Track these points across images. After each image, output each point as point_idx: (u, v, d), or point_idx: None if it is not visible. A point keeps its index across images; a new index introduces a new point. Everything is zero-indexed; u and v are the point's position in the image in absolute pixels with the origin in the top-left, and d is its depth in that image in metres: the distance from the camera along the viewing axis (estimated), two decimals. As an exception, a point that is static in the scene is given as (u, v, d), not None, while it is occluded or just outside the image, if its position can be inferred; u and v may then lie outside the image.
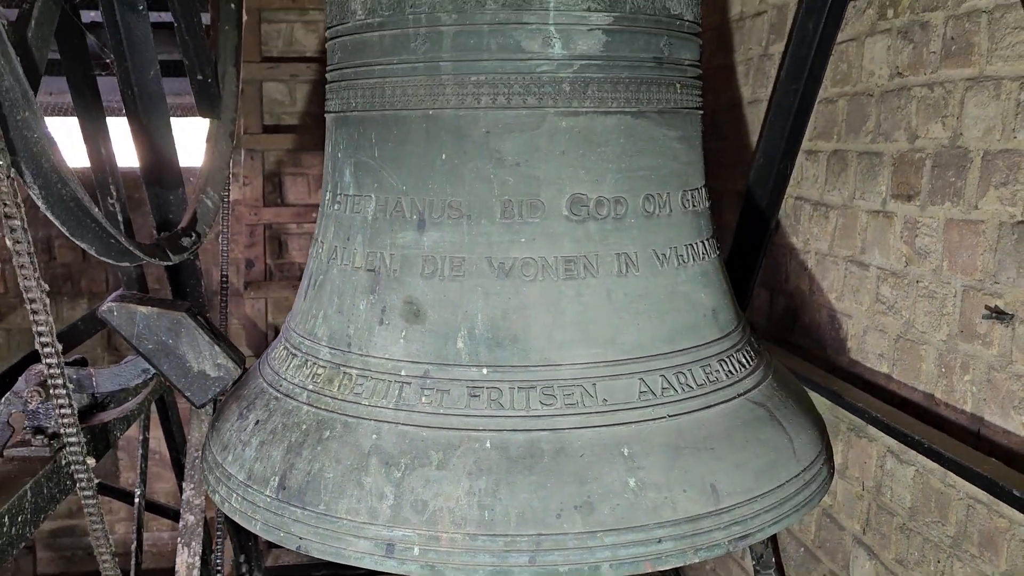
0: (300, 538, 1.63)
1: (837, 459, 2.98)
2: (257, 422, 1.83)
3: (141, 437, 2.95)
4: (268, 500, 1.69)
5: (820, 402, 2.60)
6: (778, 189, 2.81)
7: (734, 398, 1.77)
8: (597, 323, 1.68)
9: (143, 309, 2.04)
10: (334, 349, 1.80)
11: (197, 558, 2.91)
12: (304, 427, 1.73)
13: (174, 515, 4.15)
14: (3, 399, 2.12)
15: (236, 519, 1.76)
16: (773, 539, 3.14)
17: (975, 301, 2.26)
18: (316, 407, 1.75)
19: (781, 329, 3.41)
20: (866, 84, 2.74)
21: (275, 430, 1.77)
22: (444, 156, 1.68)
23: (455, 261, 1.70)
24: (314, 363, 1.83)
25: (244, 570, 3.88)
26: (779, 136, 2.72)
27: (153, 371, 2.13)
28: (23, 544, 1.82)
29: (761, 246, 2.86)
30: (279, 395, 1.85)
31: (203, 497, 3.00)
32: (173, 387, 2.09)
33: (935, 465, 2.32)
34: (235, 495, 1.77)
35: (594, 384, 1.65)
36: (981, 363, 2.26)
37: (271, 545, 4.68)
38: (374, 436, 1.65)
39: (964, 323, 2.32)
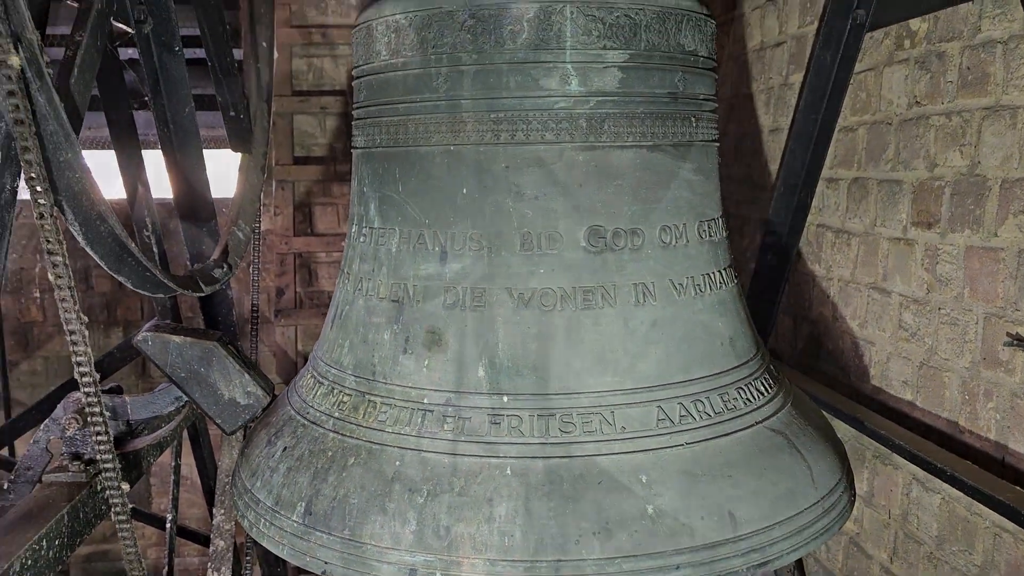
0: (325, 562, 1.67)
1: (863, 487, 2.97)
2: (285, 449, 1.88)
3: (173, 463, 3.02)
4: (295, 525, 1.73)
5: (844, 429, 2.60)
6: (799, 217, 2.83)
7: (752, 426, 1.79)
8: (615, 352, 1.72)
9: (176, 339, 2.11)
10: (359, 377, 1.85)
11: (227, 583, 2.96)
12: (330, 454, 1.78)
13: (204, 540, 4.21)
14: (42, 426, 2.20)
15: (264, 544, 1.81)
16: (800, 567, 3.13)
17: (997, 328, 2.27)
18: (341, 434, 1.80)
19: (805, 356, 3.41)
20: (885, 113, 2.77)
21: (302, 457, 1.82)
22: (465, 191, 1.74)
23: (476, 292, 1.75)
24: (340, 391, 1.88)
25: (272, 595, 3.92)
26: (799, 165, 2.75)
27: (185, 399, 2.20)
28: (60, 568, 1.88)
29: (783, 274, 2.88)
30: (306, 422, 1.90)
31: (233, 522, 3.06)
32: (204, 414, 2.15)
33: (961, 493, 2.32)
34: (263, 520, 1.82)
35: (612, 412, 1.68)
36: (1004, 390, 2.26)
37: (299, 571, 4.72)
38: (397, 463, 1.69)
39: (986, 350, 2.32)
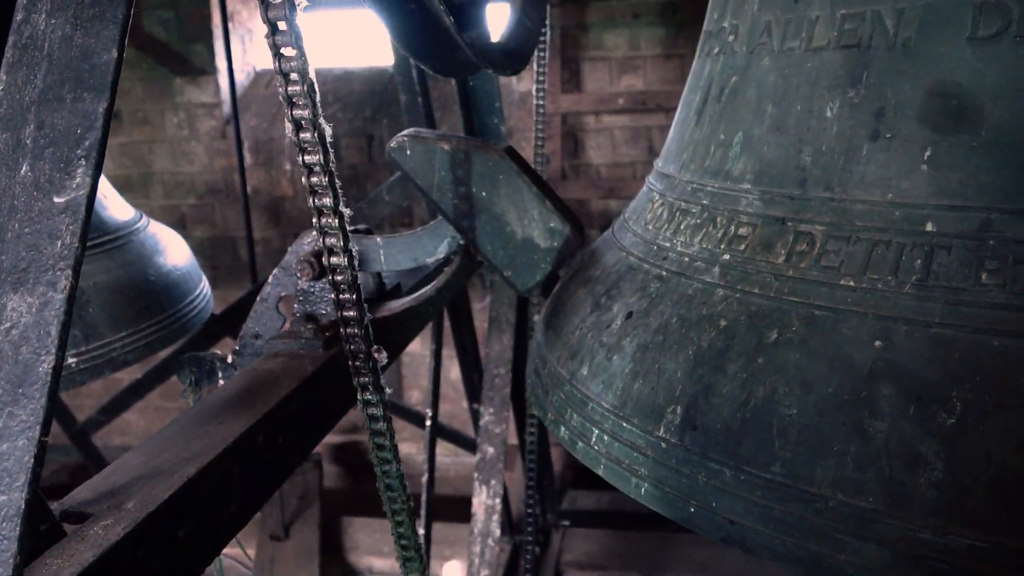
0: (731, 521, 0.89)
1: None
2: (629, 315, 1.11)
3: (433, 346, 2.40)
4: (662, 446, 0.97)
5: None
6: None
7: None
8: None
9: (446, 146, 1.39)
10: (772, 192, 1.02)
11: (498, 500, 2.34)
12: (723, 324, 0.98)
13: (463, 442, 3.71)
14: (270, 277, 1.59)
15: (599, 471, 1.07)
16: None
17: None
18: (742, 291, 0.99)
19: None
20: None
21: (666, 328, 1.04)
22: None
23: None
24: (730, 219, 1.07)
25: (537, 511, 3.31)
26: None
27: (459, 241, 1.49)
28: (290, 470, 1.27)
29: None
30: (665, 272, 1.11)
31: (504, 426, 2.44)
32: (488, 263, 1.44)
33: None
34: (597, 430, 1.07)
35: None
36: None
37: (566, 485, 4.11)
38: (878, 343, 0.86)
39: None
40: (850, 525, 0.81)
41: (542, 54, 2.51)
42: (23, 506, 0.63)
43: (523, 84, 4.41)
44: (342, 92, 4.95)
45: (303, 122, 0.84)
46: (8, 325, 0.65)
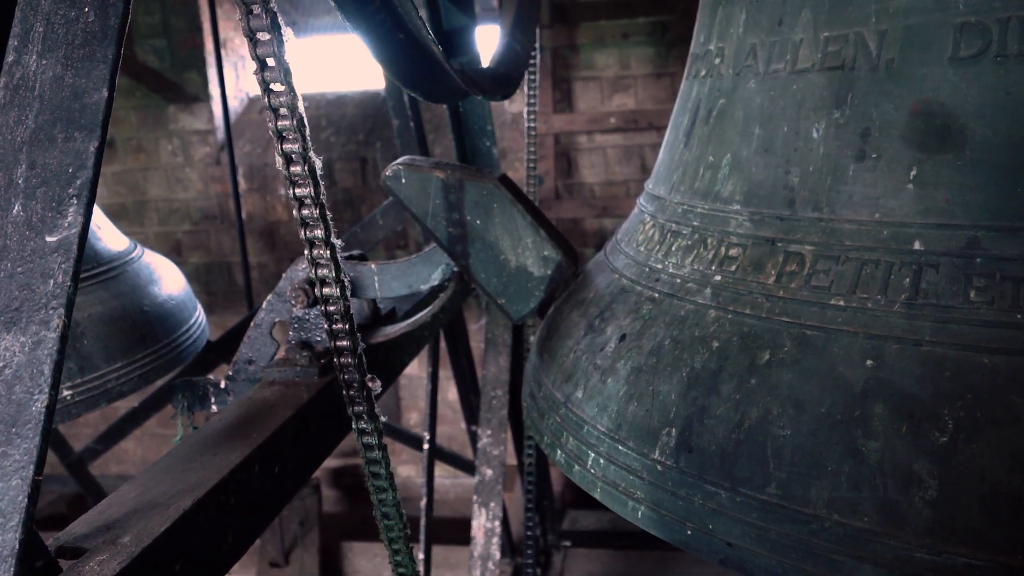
0: (728, 543, 0.89)
1: None
2: (623, 337, 1.11)
3: (429, 368, 2.40)
4: (658, 468, 0.97)
5: None
6: None
7: None
8: None
9: (441, 174, 1.40)
10: (761, 212, 1.03)
11: (497, 522, 2.32)
12: (716, 345, 0.99)
13: (462, 464, 3.70)
14: (264, 304, 1.59)
15: (596, 494, 1.07)
16: None
17: None
18: (734, 312, 1.00)
19: None
20: None
21: (659, 350, 1.04)
22: None
23: (1025, 28, 0.86)
24: (720, 240, 1.07)
25: (537, 533, 3.29)
26: None
27: (453, 268, 1.50)
28: (286, 500, 1.26)
29: None
30: (657, 294, 1.12)
31: (502, 447, 2.43)
32: (482, 290, 1.44)
33: None
34: (593, 453, 1.07)
35: None
36: None
37: (566, 505, 4.09)
38: (869, 362, 0.87)
39: None
40: (846, 545, 0.81)
41: (533, 75, 2.53)
42: (17, 547, 0.63)
43: (515, 105, 4.44)
44: (335, 116, 4.97)
45: (293, 155, 0.85)
46: (1, 365, 0.65)
